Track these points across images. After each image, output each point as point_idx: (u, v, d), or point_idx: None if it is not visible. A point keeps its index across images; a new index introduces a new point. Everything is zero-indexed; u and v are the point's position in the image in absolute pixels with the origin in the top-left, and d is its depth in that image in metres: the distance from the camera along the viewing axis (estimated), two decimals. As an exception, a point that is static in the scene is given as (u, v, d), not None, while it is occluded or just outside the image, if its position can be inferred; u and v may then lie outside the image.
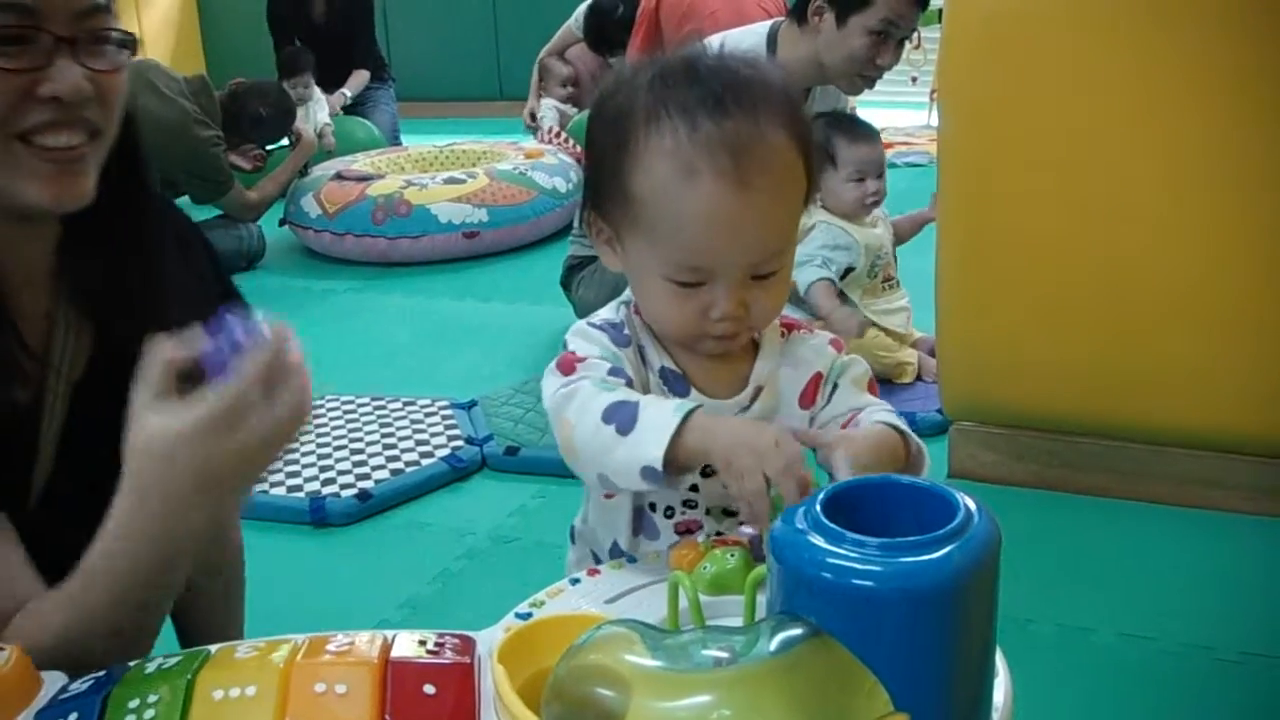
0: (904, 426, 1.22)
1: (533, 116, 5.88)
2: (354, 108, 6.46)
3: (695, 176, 1.14)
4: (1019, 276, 2.48)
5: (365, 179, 4.82)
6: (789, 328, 1.32)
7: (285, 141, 5.07)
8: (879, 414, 1.25)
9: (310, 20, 6.43)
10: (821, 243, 3.03)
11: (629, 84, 1.21)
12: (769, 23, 3.23)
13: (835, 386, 1.30)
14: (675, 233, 1.16)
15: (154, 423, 1.06)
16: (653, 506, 1.28)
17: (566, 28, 5.96)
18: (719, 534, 1.22)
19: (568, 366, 1.21)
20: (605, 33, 5.39)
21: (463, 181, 4.73)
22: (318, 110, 5.88)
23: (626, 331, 1.26)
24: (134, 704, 0.97)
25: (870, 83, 3.13)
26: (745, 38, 3.12)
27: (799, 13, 3.11)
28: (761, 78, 1.20)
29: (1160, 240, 2.35)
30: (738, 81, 1.18)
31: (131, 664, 1.05)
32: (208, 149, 4.43)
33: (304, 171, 5.04)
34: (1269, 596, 2.20)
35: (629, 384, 1.20)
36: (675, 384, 1.25)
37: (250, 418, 1.05)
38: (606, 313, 1.29)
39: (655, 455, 1.08)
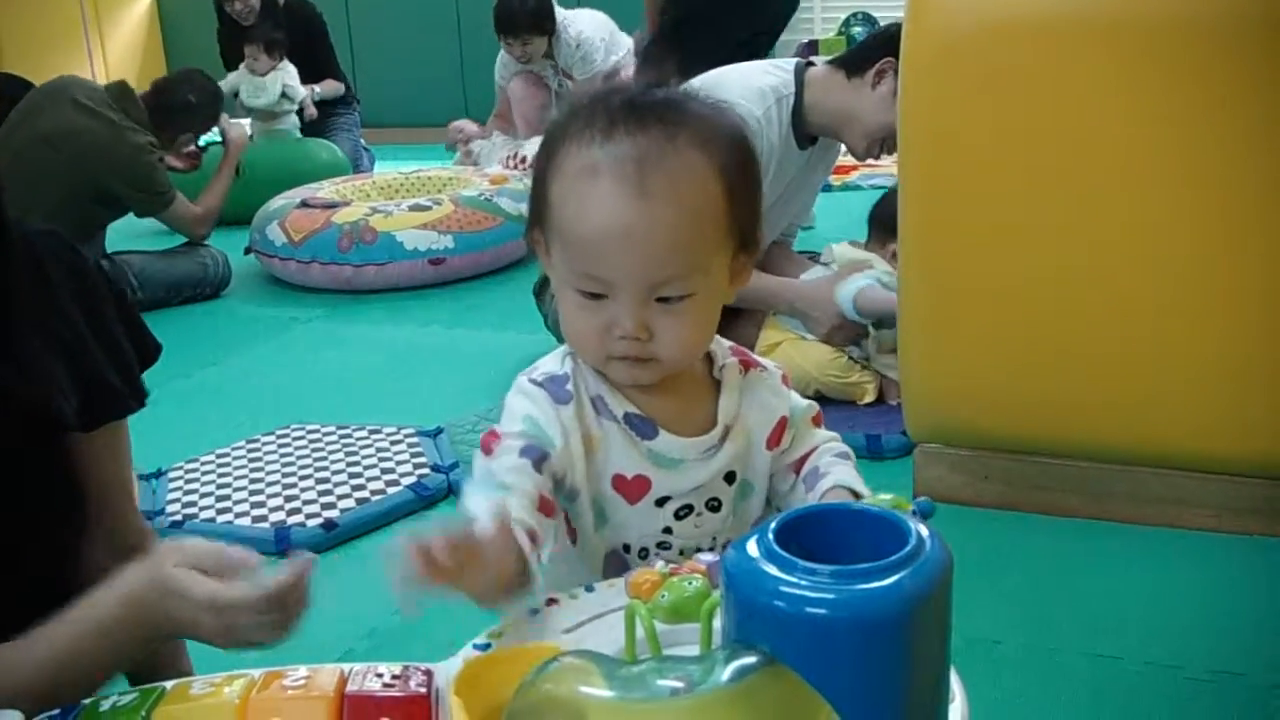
0: (859, 488, 1.26)
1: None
2: (318, 131, 6.46)
3: (596, 178, 1.15)
4: (983, 298, 2.49)
5: (330, 206, 4.81)
6: (746, 365, 1.34)
7: (218, 138, 4.99)
8: (835, 468, 1.30)
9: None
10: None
11: (575, 101, 1.23)
12: (792, 61, 3.21)
13: (795, 430, 1.34)
14: (576, 237, 1.18)
15: (186, 582, 1.19)
16: (626, 548, 1.28)
17: (498, 85, 6.26)
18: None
19: (486, 447, 1.23)
20: (514, 19, 5.83)
21: (428, 208, 4.72)
22: (287, 79, 6.06)
23: (569, 386, 1.25)
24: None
25: (879, 155, 3.13)
26: (771, 72, 3.11)
27: (853, 63, 3.08)
28: (700, 109, 1.22)
29: (1125, 261, 2.36)
30: (670, 104, 1.20)
31: (85, 702, 1.04)
32: (142, 156, 4.35)
33: (238, 172, 4.93)
34: (1236, 614, 2.20)
35: (543, 459, 1.20)
36: (642, 428, 1.25)
37: (250, 621, 1.20)
38: (551, 363, 1.28)
39: None
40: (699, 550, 1.27)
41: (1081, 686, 2.01)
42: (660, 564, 1.08)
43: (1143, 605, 2.23)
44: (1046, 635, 2.14)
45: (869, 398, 3.09)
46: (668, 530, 1.27)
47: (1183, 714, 1.94)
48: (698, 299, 1.20)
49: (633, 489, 1.25)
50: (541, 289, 3.43)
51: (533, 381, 1.26)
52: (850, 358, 3.11)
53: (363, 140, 6.86)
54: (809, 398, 1.40)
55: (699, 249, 1.18)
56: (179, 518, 2.68)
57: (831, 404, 2.96)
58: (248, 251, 4.88)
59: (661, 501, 1.27)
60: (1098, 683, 2.01)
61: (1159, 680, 2.01)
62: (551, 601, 1.14)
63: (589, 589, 1.17)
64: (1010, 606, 2.21)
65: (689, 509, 1.28)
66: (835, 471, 1.30)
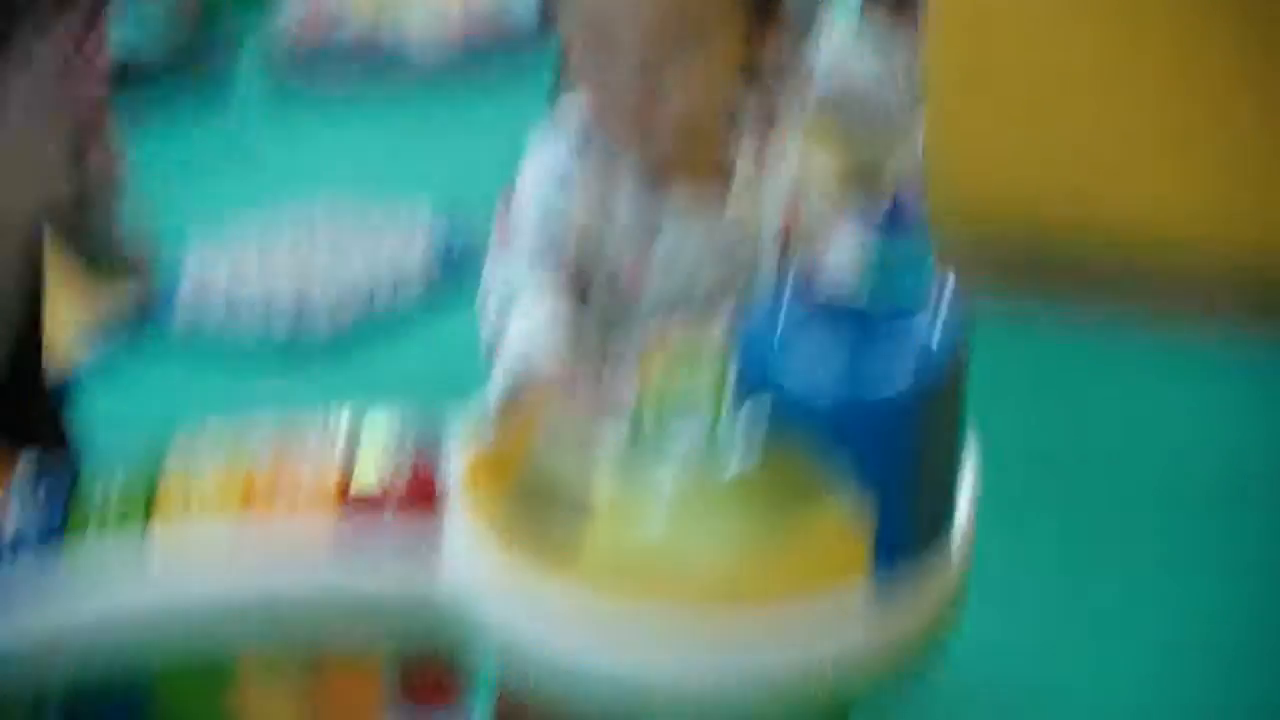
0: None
1: None
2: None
3: None
4: (1008, 65, 2.47)
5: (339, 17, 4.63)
6: (766, 157, 1.29)
7: None
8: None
9: None
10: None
11: None
12: None
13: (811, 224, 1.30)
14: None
15: None
16: (630, 345, 1.25)
17: None
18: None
19: (502, 237, 1.21)
20: None
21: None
22: None
23: (582, 162, 1.22)
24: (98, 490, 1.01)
25: None
26: None
27: None
28: None
29: (1145, 40, 2.37)
30: None
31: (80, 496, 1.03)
32: None
33: None
34: (1245, 427, 2.19)
35: (561, 257, 1.19)
36: (652, 206, 1.22)
37: None
38: (562, 140, 1.25)
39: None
40: (707, 340, 1.25)
41: (1081, 488, 2.02)
42: (673, 336, 1.07)
43: (1149, 410, 2.23)
44: (1049, 436, 2.14)
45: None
46: (670, 327, 1.24)
47: (1187, 521, 1.95)
48: (702, 67, 1.16)
49: (635, 274, 1.23)
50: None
51: (545, 159, 1.24)
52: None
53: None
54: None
55: (704, 14, 1.15)
56: (191, 320, 2.69)
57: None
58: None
59: (666, 292, 1.24)
60: (1092, 484, 2.03)
61: (1166, 483, 2.02)
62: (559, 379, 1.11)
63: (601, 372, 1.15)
64: (1014, 407, 2.17)
65: (695, 303, 1.25)
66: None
